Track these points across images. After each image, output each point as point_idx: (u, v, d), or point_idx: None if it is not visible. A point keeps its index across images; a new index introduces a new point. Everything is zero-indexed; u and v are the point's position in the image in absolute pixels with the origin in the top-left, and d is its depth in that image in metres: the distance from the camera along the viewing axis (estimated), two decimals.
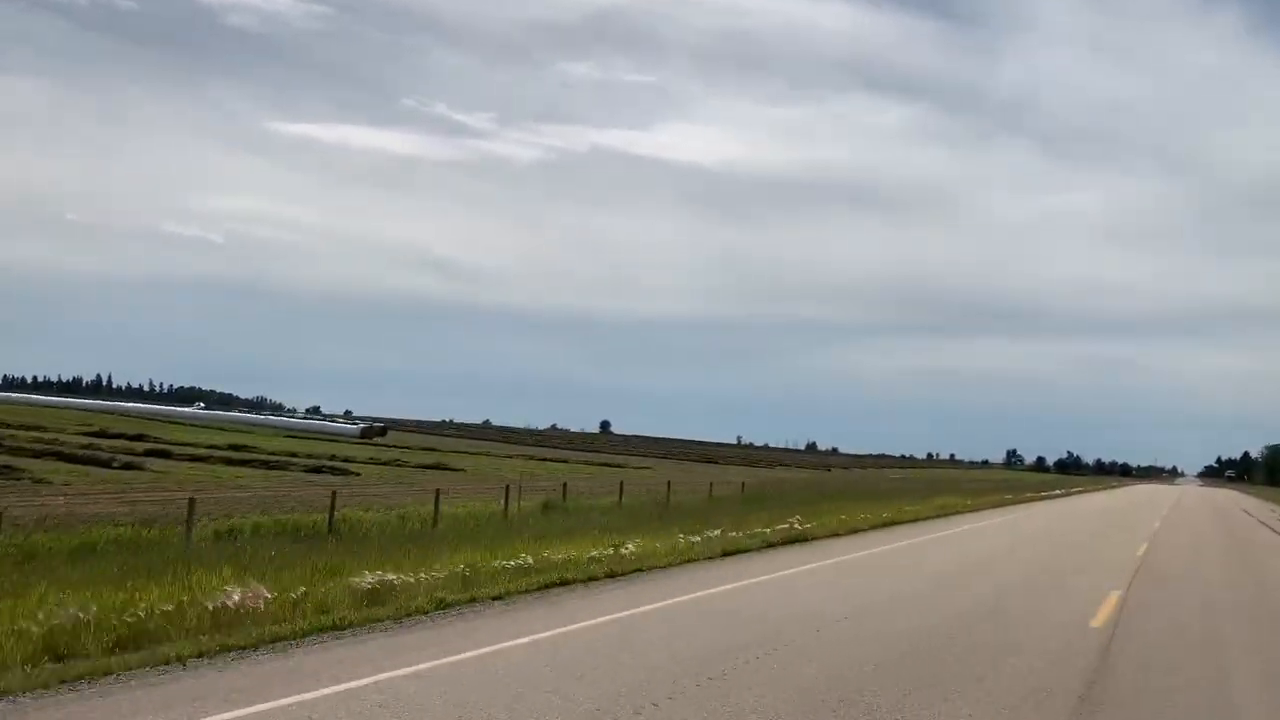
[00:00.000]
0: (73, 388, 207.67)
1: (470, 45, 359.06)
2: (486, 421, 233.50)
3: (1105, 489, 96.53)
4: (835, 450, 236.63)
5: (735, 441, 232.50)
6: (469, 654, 8.79)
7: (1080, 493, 72.20)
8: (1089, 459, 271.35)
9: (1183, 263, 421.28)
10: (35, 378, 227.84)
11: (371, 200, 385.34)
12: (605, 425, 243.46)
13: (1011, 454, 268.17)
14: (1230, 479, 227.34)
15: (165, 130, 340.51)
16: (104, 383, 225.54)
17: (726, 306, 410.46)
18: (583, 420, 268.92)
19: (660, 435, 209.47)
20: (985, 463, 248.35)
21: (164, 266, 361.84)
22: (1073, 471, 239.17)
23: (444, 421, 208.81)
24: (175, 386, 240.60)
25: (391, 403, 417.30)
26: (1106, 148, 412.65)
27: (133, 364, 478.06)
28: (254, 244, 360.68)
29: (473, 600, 11.44)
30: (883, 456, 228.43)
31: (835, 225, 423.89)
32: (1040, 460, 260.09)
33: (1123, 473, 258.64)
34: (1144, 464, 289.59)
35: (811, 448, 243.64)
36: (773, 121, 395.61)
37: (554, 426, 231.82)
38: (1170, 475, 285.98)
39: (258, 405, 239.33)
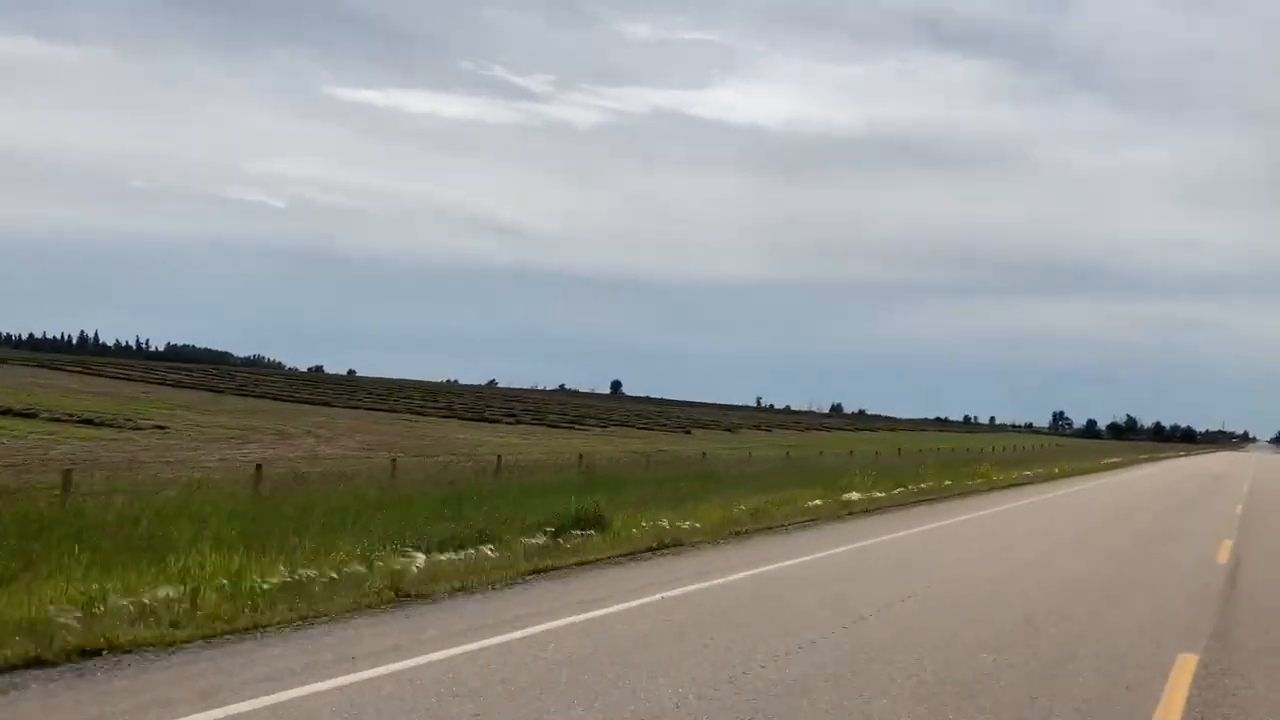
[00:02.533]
0: (54, 346, 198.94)
1: (527, 5, 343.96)
2: (492, 382, 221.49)
3: (1104, 470, 74.62)
4: (862, 413, 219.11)
5: (755, 404, 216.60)
6: None
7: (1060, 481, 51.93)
8: (1148, 423, 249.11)
9: (1256, 220, 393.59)
10: (21, 336, 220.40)
11: (429, 164, 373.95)
12: (616, 385, 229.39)
13: (1058, 417, 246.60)
14: None
15: (226, 96, 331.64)
16: (90, 340, 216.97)
17: (780, 269, 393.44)
18: (595, 381, 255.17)
19: (676, 398, 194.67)
20: (1029, 426, 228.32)
21: (217, 231, 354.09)
22: (1129, 437, 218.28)
23: (446, 381, 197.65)
24: (171, 345, 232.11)
25: (408, 361, 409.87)
26: (1180, 101, 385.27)
27: (161, 326, 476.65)
28: (311, 209, 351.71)
29: None
30: (921, 420, 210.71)
31: (897, 185, 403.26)
32: (1090, 424, 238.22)
33: (1186, 438, 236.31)
34: (1211, 428, 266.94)
35: (837, 410, 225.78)
36: (836, 79, 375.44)
37: (562, 387, 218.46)
38: (1240, 441, 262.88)
39: (252, 363, 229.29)
